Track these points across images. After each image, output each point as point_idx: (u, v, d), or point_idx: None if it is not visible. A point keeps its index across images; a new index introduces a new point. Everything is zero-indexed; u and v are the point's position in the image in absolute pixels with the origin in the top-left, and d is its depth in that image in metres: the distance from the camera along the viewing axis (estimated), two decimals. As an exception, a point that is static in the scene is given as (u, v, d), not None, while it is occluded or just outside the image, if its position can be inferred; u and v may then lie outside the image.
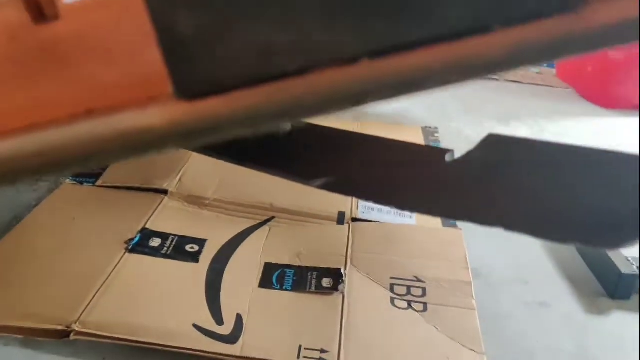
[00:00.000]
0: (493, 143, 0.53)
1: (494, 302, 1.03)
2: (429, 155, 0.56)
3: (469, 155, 0.52)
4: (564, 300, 1.05)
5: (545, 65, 2.49)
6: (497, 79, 2.24)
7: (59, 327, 0.83)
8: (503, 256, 1.16)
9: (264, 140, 0.57)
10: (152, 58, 0.26)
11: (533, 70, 2.41)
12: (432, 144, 1.58)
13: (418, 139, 1.61)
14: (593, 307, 1.04)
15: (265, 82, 0.26)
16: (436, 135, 1.64)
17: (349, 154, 0.60)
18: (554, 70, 2.39)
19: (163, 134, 0.28)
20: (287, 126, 0.64)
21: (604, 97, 2.05)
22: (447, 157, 0.54)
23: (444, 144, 1.61)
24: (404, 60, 0.26)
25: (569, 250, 1.19)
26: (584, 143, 0.56)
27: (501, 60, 0.27)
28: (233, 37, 0.25)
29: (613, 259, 1.07)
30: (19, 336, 0.84)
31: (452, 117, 1.84)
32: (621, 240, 0.46)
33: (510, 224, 0.52)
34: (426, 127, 1.69)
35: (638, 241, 0.45)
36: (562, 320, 1.00)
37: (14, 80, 0.29)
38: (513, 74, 2.31)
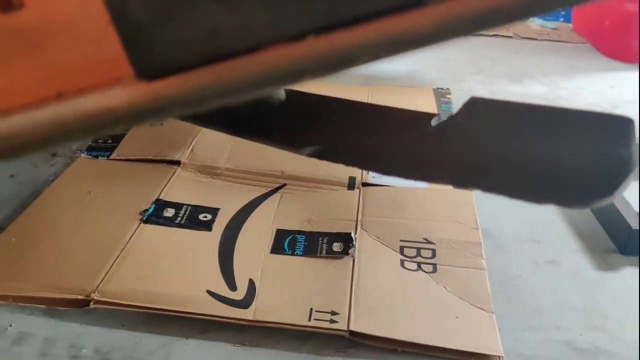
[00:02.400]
0: (475, 106, 0.53)
1: (504, 262, 1.04)
2: (415, 120, 0.57)
3: (451, 118, 0.52)
4: (574, 258, 1.06)
5: (561, 19, 2.43)
6: (510, 37, 2.20)
7: (79, 297, 0.86)
8: (514, 217, 1.16)
9: (258, 111, 0.58)
10: (117, 42, 0.27)
11: (548, 25, 2.36)
12: (443, 105, 1.57)
13: (430, 100, 1.60)
14: (603, 263, 1.05)
15: (217, 61, 0.27)
16: (448, 96, 1.63)
17: (338, 121, 0.60)
18: (570, 25, 2.34)
19: (121, 115, 0.29)
20: (281, 96, 0.65)
21: (621, 50, 2.01)
22: (433, 121, 0.54)
23: (456, 105, 1.60)
24: (348, 35, 0.27)
25: (581, 210, 1.19)
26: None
27: (432, 34, 0.27)
28: (183, 20, 0.26)
29: (624, 215, 1.07)
30: (42, 306, 0.88)
31: (464, 78, 1.82)
32: (593, 197, 0.47)
33: (487, 186, 0.52)
34: (438, 88, 1.68)
35: (609, 197, 0.45)
36: (571, 277, 1.01)
37: None
38: (527, 30, 2.27)
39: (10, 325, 0.85)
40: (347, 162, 0.57)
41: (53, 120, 0.30)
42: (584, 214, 1.18)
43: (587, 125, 0.55)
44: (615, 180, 0.46)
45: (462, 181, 0.53)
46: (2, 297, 0.87)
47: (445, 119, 0.53)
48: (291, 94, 0.64)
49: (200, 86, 0.28)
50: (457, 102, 1.62)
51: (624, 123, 0.51)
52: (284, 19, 0.26)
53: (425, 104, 1.57)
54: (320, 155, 0.58)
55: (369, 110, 0.59)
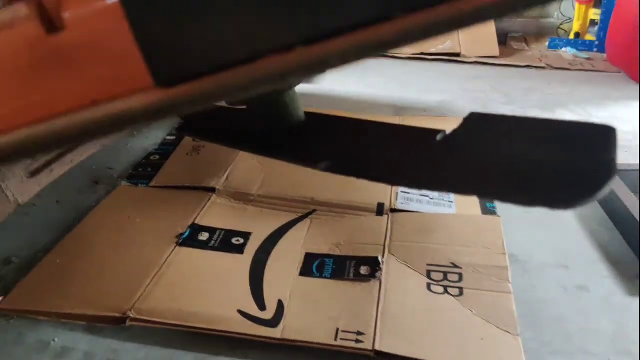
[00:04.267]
0: (473, 119, 0.56)
1: (532, 286, 1.05)
2: (422, 136, 0.60)
3: (453, 132, 0.55)
4: (603, 284, 1.05)
5: (595, 49, 2.44)
6: (543, 67, 2.21)
7: (116, 314, 0.91)
8: (542, 242, 1.17)
9: (279, 130, 0.62)
10: (140, 57, 0.32)
11: (582, 55, 2.36)
12: (473, 134, 1.59)
13: (460, 130, 1.63)
14: (634, 289, 1.04)
15: (221, 70, 0.32)
16: (478, 125, 1.65)
17: (351, 138, 0.63)
18: (604, 55, 2.34)
19: (141, 114, 0.34)
20: (300, 117, 0.69)
21: (655, 79, 2.00)
22: (438, 136, 0.57)
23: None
24: (327, 45, 0.31)
25: (612, 234, 1.19)
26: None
27: (393, 41, 0.31)
28: (192, 40, 0.31)
29: (655, 241, 1.07)
30: (82, 322, 0.92)
31: (495, 108, 1.84)
32: (578, 199, 0.49)
33: (483, 192, 0.55)
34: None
35: (593, 198, 0.48)
36: (601, 302, 1.01)
37: (35, 80, 0.35)
38: (560, 61, 2.28)
39: (53, 340, 0.89)
40: (358, 175, 0.61)
41: (90, 121, 0.35)
42: (614, 239, 1.17)
43: (574, 134, 0.57)
44: (598, 183, 0.49)
45: (461, 188, 0.56)
46: (46, 314, 0.92)
47: (448, 133, 0.56)
48: (310, 115, 0.68)
49: (206, 91, 0.33)
50: (487, 131, 1.64)
51: (607, 131, 0.54)
52: (277, 34, 0.31)
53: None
54: (334, 169, 0.62)
55: (379, 128, 0.62)
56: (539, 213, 1.27)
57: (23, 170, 1.05)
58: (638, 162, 1.33)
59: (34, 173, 1.04)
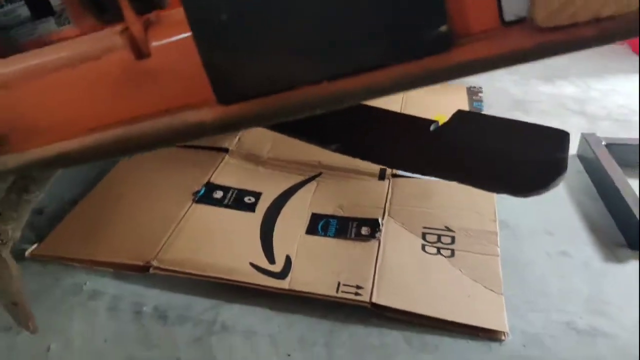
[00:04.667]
0: (460, 117, 0.65)
1: (519, 251, 1.14)
2: (417, 125, 0.68)
3: (443, 126, 0.64)
4: (584, 250, 1.15)
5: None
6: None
7: (141, 263, 1.01)
8: (532, 210, 1.26)
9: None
10: (206, 79, 0.41)
11: (587, 27, 2.40)
12: (474, 104, 1.67)
13: (462, 97, 1.70)
14: (612, 256, 1.13)
15: (267, 95, 0.41)
16: (480, 95, 1.72)
17: (359, 124, 0.72)
18: (609, 26, 2.37)
19: (210, 127, 0.43)
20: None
21: (657, 53, 2.04)
22: (432, 127, 0.65)
23: (487, 103, 1.69)
24: (344, 83, 0.40)
25: (596, 204, 1.28)
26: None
27: (389, 88, 0.40)
28: (248, 69, 0.40)
29: (635, 211, 1.15)
30: (110, 269, 1.03)
31: (500, 78, 1.90)
32: (536, 189, 0.59)
33: (462, 179, 0.65)
34: (471, 87, 1.77)
35: (547, 189, 0.58)
36: (580, 267, 1.10)
37: (125, 93, 0.44)
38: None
39: (85, 284, 1.00)
40: (363, 158, 0.70)
41: (165, 127, 0.44)
42: (598, 209, 1.26)
43: (537, 135, 0.67)
44: (552, 177, 0.58)
45: (445, 175, 0.65)
46: (78, 260, 1.03)
47: (438, 126, 0.64)
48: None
49: (255, 111, 0.42)
50: (489, 101, 1.71)
51: (562, 135, 0.64)
52: (309, 71, 0.40)
53: (457, 101, 1.66)
54: (342, 150, 0.71)
55: (384, 115, 0.70)
56: (531, 182, 1.35)
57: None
58: (638, 137, 1.40)
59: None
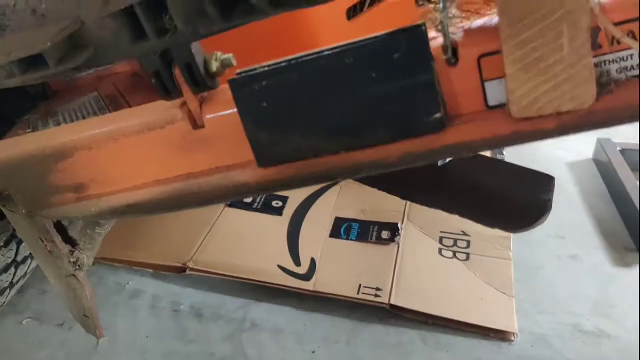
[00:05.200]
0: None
1: (530, 254, 1.20)
2: None
3: (448, 162, 0.71)
4: (594, 254, 1.21)
5: None
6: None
7: (178, 264, 1.10)
8: (545, 214, 1.32)
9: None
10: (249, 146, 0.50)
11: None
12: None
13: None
14: (621, 260, 1.19)
15: (298, 160, 0.49)
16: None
17: None
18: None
19: (254, 186, 0.52)
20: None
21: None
22: (439, 162, 0.73)
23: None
24: (358, 155, 0.48)
25: (609, 208, 1.33)
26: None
27: (395, 163, 0.47)
28: (282, 144, 0.48)
29: (644, 218, 1.20)
30: (150, 270, 1.12)
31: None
32: (521, 226, 0.67)
33: (463, 214, 0.73)
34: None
35: (531, 227, 0.65)
36: (589, 271, 1.16)
37: (183, 155, 0.53)
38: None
39: (128, 283, 1.09)
40: (386, 190, 0.81)
41: (217, 184, 0.53)
42: (611, 213, 1.31)
43: (527, 177, 0.74)
44: (538, 216, 0.66)
45: (449, 209, 0.73)
46: (121, 261, 1.13)
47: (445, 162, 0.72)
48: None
49: (289, 174, 0.51)
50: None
51: (548, 178, 0.72)
52: (329, 143, 0.48)
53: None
54: (366, 182, 0.81)
55: None
56: (546, 187, 1.41)
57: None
58: (638, 142, 1.44)
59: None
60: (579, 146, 1.56)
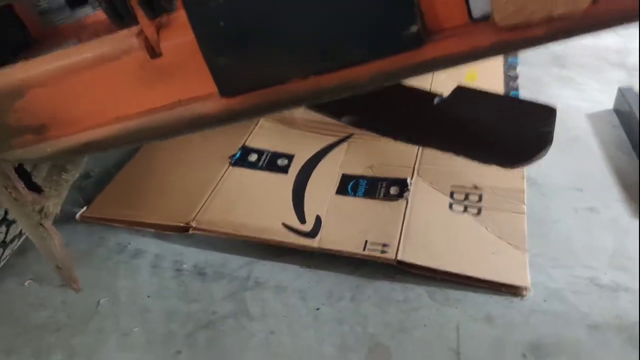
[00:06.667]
0: (459, 93, 0.67)
1: (546, 208, 1.15)
2: (423, 98, 0.70)
3: (444, 100, 0.66)
4: (613, 206, 1.15)
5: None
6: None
7: (181, 224, 1.08)
8: (562, 166, 1.26)
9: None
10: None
11: None
12: (510, 60, 1.64)
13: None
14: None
15: (262, 88, 0.45)
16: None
17: (369, 97, 0.75)
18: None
19: (215, 117, 0.48)
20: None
21: None
22: (435, 100, 0.68)
23: (523, 58, 1.66)
24: (328, 78, 0.44)
25: (629, 159, 1.27)
26: None
27: (366, 83, 0.43)
28: (244, 66, 0.44)
29: (667, 168, 1.15)
30: (152, 230, 1.10)
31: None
32: (519, 161, 0.62)
33: (458, 150, 0.68)
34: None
35: (530, 162, 0.60)
36: (607, 224, 1.11)
37: (143, 88, 0.50)
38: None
39: (129, 244, 1.08)
40: (371, 129, 0.75)
41: (178, 118, 0.50)
42: (632, 165, 1.25)
43: (526, 110, 0.69)
44: (538, 149, 0.61)
45: (442, 146, 0.68)
46: (122, 222, 1.11)
47: (441, 100, 0.67)
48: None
49: (254, 103, 0.47)
50: (525, 56, 1.67)
51: (549, 110, 0.66)
52: (298, 67, 0.44)
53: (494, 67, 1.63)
54: (353, 123, 0.76)
55: (392, 88, 0.73)
56: (563, 139, 1.35)
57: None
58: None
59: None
60: (599, 96, 1.49)
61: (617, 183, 1.21)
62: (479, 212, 1.11)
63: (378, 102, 0.66)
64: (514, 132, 0.67)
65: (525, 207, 1.11)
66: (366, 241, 1.03)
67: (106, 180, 1.21)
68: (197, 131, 0.56)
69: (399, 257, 1.00)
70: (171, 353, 0.88)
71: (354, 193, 1.16)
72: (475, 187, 1.17)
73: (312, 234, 1.06)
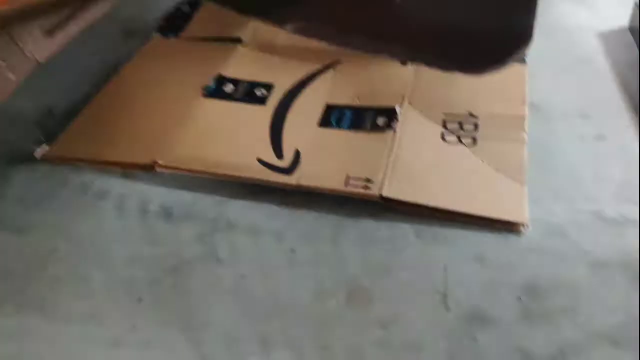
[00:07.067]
0: None
1: (549, 136, 1.05)
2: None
3: None
4: (623, 133, 1.05)
5: None
6: None
7: (146, 162, 0.99)
8: (568, 90, 1.15)
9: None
10: None
11: None
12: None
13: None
14: (652, 137, 1.03)
15: None
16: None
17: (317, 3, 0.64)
18: None
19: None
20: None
21: None
22: None
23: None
24: None
25: (644, 84, 1.15)
26: None
27: None
28: None
29: (684, 90, 1.03)
30: (119, 169, 1.01)
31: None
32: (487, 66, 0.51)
33: (413, 55, 0.57)
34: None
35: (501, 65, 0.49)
36: (616, 152, 1.01)
37: None
38: None
39: (93, 184, 0.99)
40: (322, 38, 0.63)
41: None
42: (645, 89, 1.14)
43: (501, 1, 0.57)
44: (511, 49, 0.50)
45: (395, 50, 0.58)
46: (87, 161, 1.02)
47: None
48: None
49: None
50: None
51: None
52: None
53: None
54: (300, 31, 0.64)
55: None
56: (571, 60, 1.23)
57: (39, 30, 1.09)
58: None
59: (49, 32, 1.08)
60: (613, 12, 1.35)
61: (628, 107, 1.10)
62: (475, 142, 1.01)
63: (327, 5, 0.55)
64: (482, 28, 0.56)
65: (525, 135, 1.01)
66: (348, 176, 0.94)
67: (70, 116, 1.12)
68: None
69: (384, 193, 0.91)
70: (132, 300, 0.81)
71: (339, 125, 1.06)
72: (471, 115, 1.06)
73: (290, 170, 0.97)
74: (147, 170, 0.99)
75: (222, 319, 0.78)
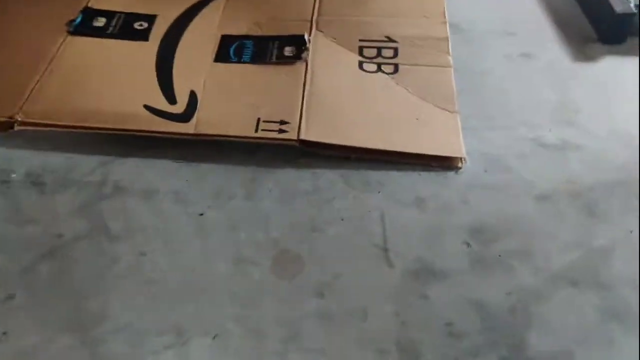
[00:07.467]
0: None
1: (474, 57, 0.95)
2: None
3: None
4: (550, 49, 0.97)
5: None
6: None
7: (3, 119, 0.78)
8: (489, 8, 1.05)
9: None
10: None
11: None
12: None
13: None
14: (581, 54, 0.96)
15: None
16: None
17: None
18: None
19: None
20: None
21: None
22: None
23: None
24: None
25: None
26: None
27: None
28: None
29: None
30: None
31: None
32: None
33: None
34: None
35: None
36: (545, 70, 0.93)
37: None
38: None
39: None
40: None
41: None
42: (566, 1, 1.06)
43: None
44: None
45: None
46: None
47: None
48: None
49: None
50: None
51: None
52: None
53: None
54: None
55: None
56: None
57: None
58: None
59: None
60: None
61: (552, 22, 1.02)
62: (396, 69, 0.89)
63: None
64: None
65: (450, 58, 0.90)
66: (259, 119, 0.79)
67: None
68: None
69: (302, 136, 0.77)
70: (0, 299, 0.63)
71: (239, 58, 0.90)
72: (389, 39, 0.94)
73: (186, 116, 0.80)
74: (4, 129, 0.78)
75: (122, 310, 0.62)
